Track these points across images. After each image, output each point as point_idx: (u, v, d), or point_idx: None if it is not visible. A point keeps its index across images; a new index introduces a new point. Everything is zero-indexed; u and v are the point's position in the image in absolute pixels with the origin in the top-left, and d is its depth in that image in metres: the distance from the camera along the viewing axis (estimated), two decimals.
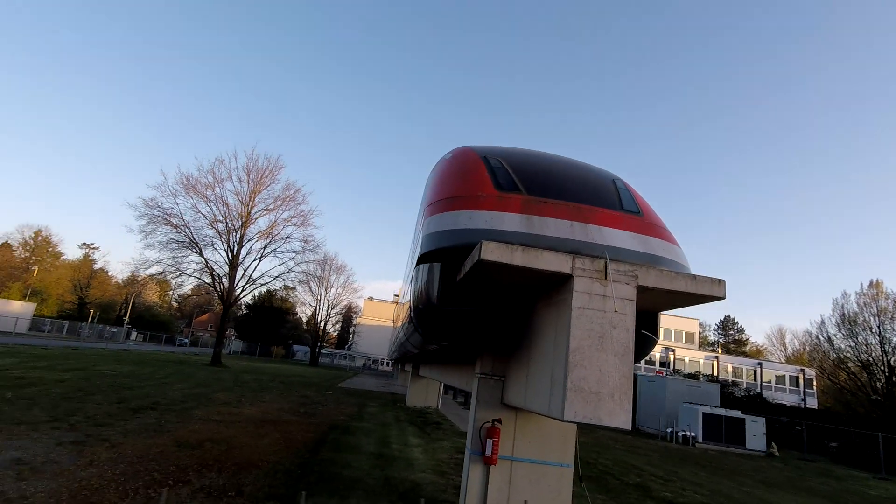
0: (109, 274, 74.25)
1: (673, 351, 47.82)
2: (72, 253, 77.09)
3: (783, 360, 65.09)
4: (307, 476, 7.01)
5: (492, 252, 4.13)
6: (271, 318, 59.96)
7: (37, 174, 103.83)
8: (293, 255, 31.83)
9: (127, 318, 48.68)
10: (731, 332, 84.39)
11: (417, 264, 5.80)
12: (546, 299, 4.83)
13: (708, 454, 17.72)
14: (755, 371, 47.06)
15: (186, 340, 64.84)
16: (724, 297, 4.26)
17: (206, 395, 15.12)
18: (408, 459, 8.98)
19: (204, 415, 11.33)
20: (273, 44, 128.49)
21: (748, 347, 79.60)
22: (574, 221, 4.74)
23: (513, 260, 4.13)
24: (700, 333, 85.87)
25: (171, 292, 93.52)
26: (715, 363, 48.36)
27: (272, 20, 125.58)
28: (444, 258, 5.19)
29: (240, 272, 30.27)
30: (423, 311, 5.55)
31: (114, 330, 53.44)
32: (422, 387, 19.87)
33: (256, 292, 56.04)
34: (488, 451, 5.60)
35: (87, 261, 75.27)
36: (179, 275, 29.50)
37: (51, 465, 6.03)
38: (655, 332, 5.44)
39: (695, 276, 4.27)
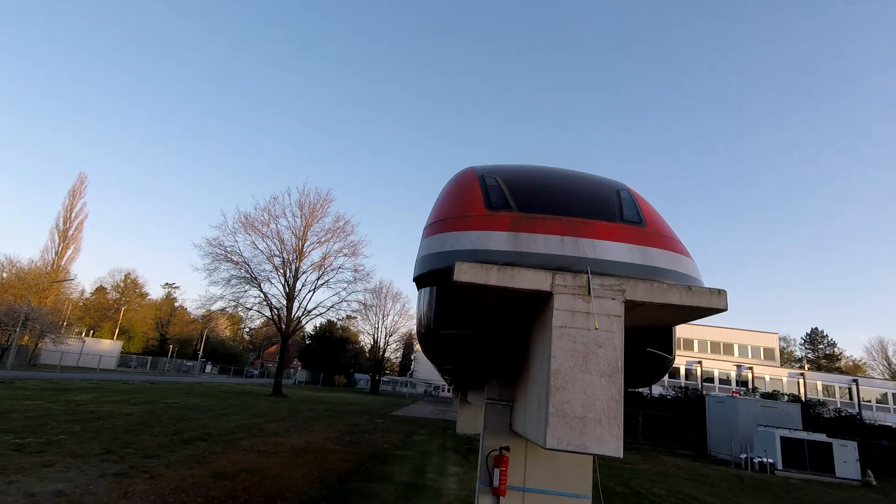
0: (188, 311, 79.79)
1: (751, 369, 44.21)
2: (155, 293, 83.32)
3: (887, 376, 58.54)
4: None
5: (465, 273, 4.01)
6: (332, 347, 61.64)
7: (124, 219, 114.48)
8: (345, 284, 32.81)
9: (201, 352, 51.75)
10: (821, 347, 77.21)
11: (418, 289, 5.76)
12: (536, 320, 4.64)
13: (788, 483, 16.00)
14: (850, 389, 42.46)
15: (255, 371, 67.88)
16: (725, 309, 3.88)
17: (258, 425, 15.62)
18: (438, 489, 8.75)
19: (249, 445, 11.68)
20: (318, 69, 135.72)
21: (843, 363, 72.26)
22: (565, 236, 4.54)
23: (488, 280, 3.99)
24: (784, 349, 79.11)
25: (242, 326, 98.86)
26: (800, 381, 44.20)
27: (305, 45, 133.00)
28: (436, 282, 5.11)
29: (296, 304, 31.48)
30: (424, 336, 5.49)
31: (190, 364, 56.97)
32: (471, 413, 19.47)
33: (317, 323, 58.16)
34: (496, 482, 5.34)
35: (168, 299, 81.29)
36: (241, 308, 31.09)
37: (88, 496, 6.38)
38: (670, 350, 5.02)
39: (690, 288, 3.93)
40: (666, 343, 5.00)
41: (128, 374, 41.88)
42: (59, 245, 59.44)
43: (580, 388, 3.69)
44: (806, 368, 57.03)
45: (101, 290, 78.34)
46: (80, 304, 67.53)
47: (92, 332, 59.95)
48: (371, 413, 25.31)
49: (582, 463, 5.52)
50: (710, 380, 48.26)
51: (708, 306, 3.91)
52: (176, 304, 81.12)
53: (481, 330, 4.95)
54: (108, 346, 46.42)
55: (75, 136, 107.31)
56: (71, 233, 60.28)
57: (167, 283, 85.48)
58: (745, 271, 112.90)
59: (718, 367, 46.87)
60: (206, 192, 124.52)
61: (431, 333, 5.32)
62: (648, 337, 4.98)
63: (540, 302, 4.24)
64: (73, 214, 60.78)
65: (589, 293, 3.93)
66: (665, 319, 4.40)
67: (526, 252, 4.44)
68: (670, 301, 3.93)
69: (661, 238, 4.76)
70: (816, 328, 75.61)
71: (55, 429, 11.15)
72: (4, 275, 58.43)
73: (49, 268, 57.39)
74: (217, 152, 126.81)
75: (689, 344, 51.25)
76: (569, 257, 4.34)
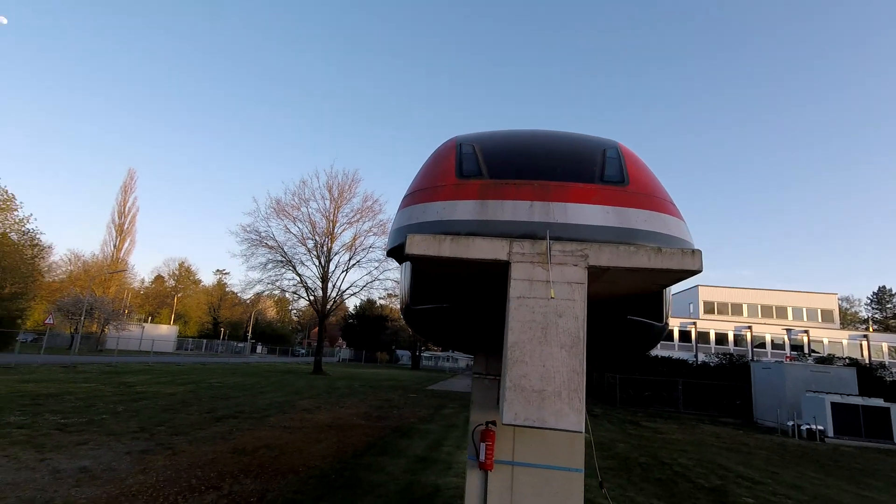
0: (237, 295, 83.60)
1: (806, 332, 41.95)
2: (207, 279, 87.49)
3: None
4: (335, 481, 7.13)
5: (417, 245, 3.84)
6: (373, 325, 63.10)
7: (171, 209, 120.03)
8: (376, 264, 33.23)
9: (250, 334, 54.21)
10: (889, 306, 72.42)
11: (399, 263, 5.65)
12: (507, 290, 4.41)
13: (838, 451, 15.15)
14: None
15: (303, 351, 70.57)
16: (699, 270, 3.54)
17: (291, 402, 16.20)
18: (449, 463, 8.78)
19: (277, 422, 12.11)
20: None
21: None
22: (535, 202, 4.28)
23: (441, 252, 3.81)
24: (847, 310, 74.54)
25: (290, 308, 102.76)
26: (863, 343, 41.59)
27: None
28: (404, 256, 4.95)
29: (330, 285, 32.23)
30: (404, 311, 5.39)
31: (241, 345, 59.86)
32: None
33: (357, 302, 59.48)
34: (482, 456, 5.24)
35: (219, 285, 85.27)
36: (278, 291, 32.14)
37: (109, 472, 6.77)
38: (659, 316, 4.68)
39: (660, 250, 3.60)
40: (654, 309, 4.67)
41: (183, 356, 44.48)
42: (116, 238, 63.09)
43: (539, 361, 3.48)
44: (871, 330, 53.53)
45: (159, 278, 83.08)
46: (141, 292, 71.94)
47: (151, 318, 63.87)
48: (406, 388, 25.80)
49: (573, 436, 5.32)
50: (763, 345, 46.30)
51: (680, 268, 3.58)
52: (227, 290, 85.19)
53: (455, 304, 4.79)
54: (165, 331, 49.41)
55: (122, 133, 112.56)
56: (126, 226, 63.86)
57: (218, 270, 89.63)
58: (804, 230, 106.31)
59: (771, 331, 44.76)
60: (240, 179, 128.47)
61: (408, 309, 5.20)
62: (632, 304, 4.67)
63: (504, 272, 4.02)
64: (127, 209, 64.20)
65: (549, 260, 3.69)
66: (642, 284, 4.09)
67: (491, 220, 4.22)
68: (638, 265, 3.62)
69: (643, 198, 4.39)
70: (884, 286, 70.77)
71: (100, 409, 11.92)
72: (70, 268, 62.75)
73: (109, 260, 61.08)
74: (245, 139, 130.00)
75: (737, 309, 49.15)
76: (536, 223, 4.08)
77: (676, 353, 41.69)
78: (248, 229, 30.72)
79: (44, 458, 7.19)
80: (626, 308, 4.66)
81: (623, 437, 14.02)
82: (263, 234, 30.96)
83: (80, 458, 7.33)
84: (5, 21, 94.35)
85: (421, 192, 4.92)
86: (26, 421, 9.80)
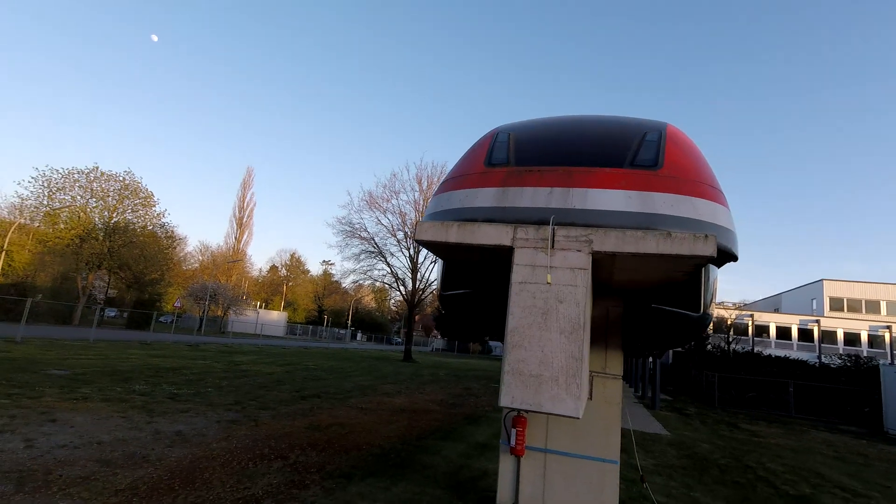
0: (341, 284, 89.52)
1: None
2: (315, 269, 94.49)
3: None
4: (391, 460, 7.52)
5: (426, 232, 4.00)
6: None
7: (281, 202, 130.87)
8: None
9: (349, 322, 57.80)
10: None
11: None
12: None
13: None
14: None
15: (399, 339, 73.69)
16: (712, 256, 3.32)
17: (374, 386, 17.14)
18: None
19: (356, 403, 12.93)
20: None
21: None
22: (555, 188, 4.24)
23: (448, 238, 3.94)
24: None
25: (388, 298, 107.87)
26: None
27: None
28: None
29: (419, 276, 33.32)
30: (439, 298, 5.58)
31: (343, 332, 64.04)
32: None
33: None
34: (512, 441, 5.26)
35: (326, 275, 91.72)
36: (372, 281, 33.90)
37: (199, 437, 7.75)
38: (696, 306, 4.39)
39: (669, 234, 3.42)
40: (689, 298, 4.38)
41: (290, 340, 48.67)
42: (236, 231, 70.35)
43: (538, 346, 3.50)
44: None
45: (273, 268, 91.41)
46: (260, 280, 79.74)
47: (266, 304, 70.55)
48: (491, 378, 26.01)
49: (608, 426, 5.18)
50: None
51: (691, 253, 3.37)
52: (332, 280, 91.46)
53: (477, 290, 4.85)
54: (276, 317, 54.46)
55: (243, 129, 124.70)
56: (245, 220, 70.93)
57: (324, 261, 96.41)
58: None
59: None
60: (347, 172, 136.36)
61: (441, 295, 5.39)
62: (664, 293, 4.42)
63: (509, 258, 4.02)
64: (245, 203, 71.24)
65: (551, 246, 3.64)
66: (663, 271, 3.86)
67: (508, 207, 4.25)
68: (645, 250, 3.47)
69: (675, 181, 4.14)
70: None
71: (208, 383, 13.56)
72: (201, 258, 71.06)
73: (231, 251, 68.30)
74: (356, 134, 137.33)
75: (873, 306, 42.79)
76: (553, 209, 4.05)
77: (794, 353, 37.41)
78: (342, 221, 32.84)
79: (151, 421, 8.41)
80: (654, 297, 4.43)
81: (710, 438, 13.02)
82: (356, 226, 32.89)
83: (179, 424, 8.46)
84: (156, 39, 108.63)
85: (451, 180, 5.05)
86: (147, 389, 11.46)
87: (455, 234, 3.89)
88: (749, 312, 43.13)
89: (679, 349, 39.55)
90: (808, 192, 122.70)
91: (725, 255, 4.34)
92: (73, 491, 5.12)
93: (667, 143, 4.62)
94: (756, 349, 35.86)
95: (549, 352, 3.46)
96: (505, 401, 3.49)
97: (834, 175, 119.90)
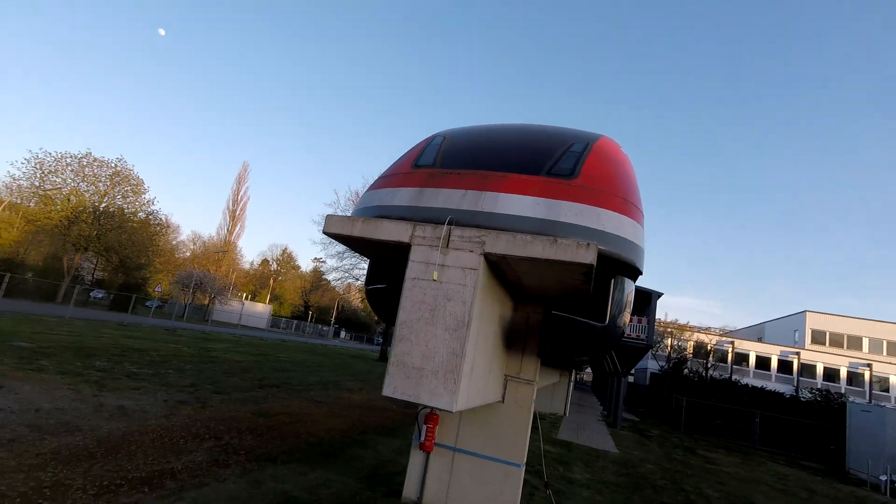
0: (330, 282, 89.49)
1: None
2: (306, 265, 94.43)
3: None
4: (324, 450, 7.68)
5: (333, 225, 4.22)
6: None
7: (280, 198, 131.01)
8: None
9: (333, 320, 57.81)
10: None
11: None
12: None
13: None
14: None
15: (382, 340, 73.78)
16: (591, 264, 3.52)
17: (339, 382, 17.25)
18: None
19: (313, 396, 13.06)
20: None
21: None
22: (469, 190, 4.46)
23: (352, 232, 4.15)
24: None
25: None
26: None
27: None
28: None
29: None
30: (366, 292, 5.79)
31: (326, 329, 64.00)
32: (547, 390, 19.03)
33: None
34: (422, 437, 5.44)
35: (316, 272, 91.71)
36: (353, 279, 34.02)
37: (140, 413, 7.90)
38: (601, 316, 4.59)
39: (555, 240, 3.62)
40: (596, 308, 4.59)
41: (273, 332, 48.68)
42: (229, 223, 70.41)
43: (423, 341, 3.70)
44: None
45: (265, 262, 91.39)
46: (250, 272, 79.71)
47: (253, 296, 70.49)
48: None
49: (517, 430, 5.37)
50: (888, 389, 40.18)
51: (573, 260, 3.60)
52: (322, 278, 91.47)
53: (390, 285, 5.05)
54: (260, 309, 54.42)
55: (237, 127, 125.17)
56: (238, 213, 71.03)
57: (315, 259, 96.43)
58: None
59: None
60: (331, 171, 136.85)
61: (366, 290, 5.59)
62: (574, 301, 4.63)
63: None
64: (239, 197, 71.38)
65: (447, 245, 3.85)
66: (564, 279, 4.06)
67: (422, 206, 4.47)
68: (532, 254, 3.69)
69: (584, 192, 4.38)
70: None
71: (171, 366, 13.66)
72: (192, 247, 71.08)
73: (222, 242, 68.31)
74: (336, 132, 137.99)
75: (855, 342, 43.09)
76: (461, 211, 4.27)
77: (772, 384, 37.63)
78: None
79: (98, 395, 8.55)
80: (566, 305, 4.63)
81: (659, 460, 13.19)
82: None
83: (125, 399, 8.61)
84: (163, 33, 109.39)
85: (380, 179, 5.29)
86: (107, 366, 11.58)
87: (359, 228, 4.11)
88: (730, 339, 43.33)
89: (656, 371, 39.77)
90: (803, 220, 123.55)
91: (632, 269, 4.56)
92: None
93: (589, 155, 4.86)
94: (734, 377, 36.03)
95: (433, 347, 3.67)
96: (387, 391, 3.69)
97: (839, 205, 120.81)
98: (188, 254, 67.81)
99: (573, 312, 4.70)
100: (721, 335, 43.48)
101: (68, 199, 34.68)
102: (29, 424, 6.32)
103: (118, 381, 10.06)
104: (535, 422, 5.89)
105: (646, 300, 17.88)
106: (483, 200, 4.32)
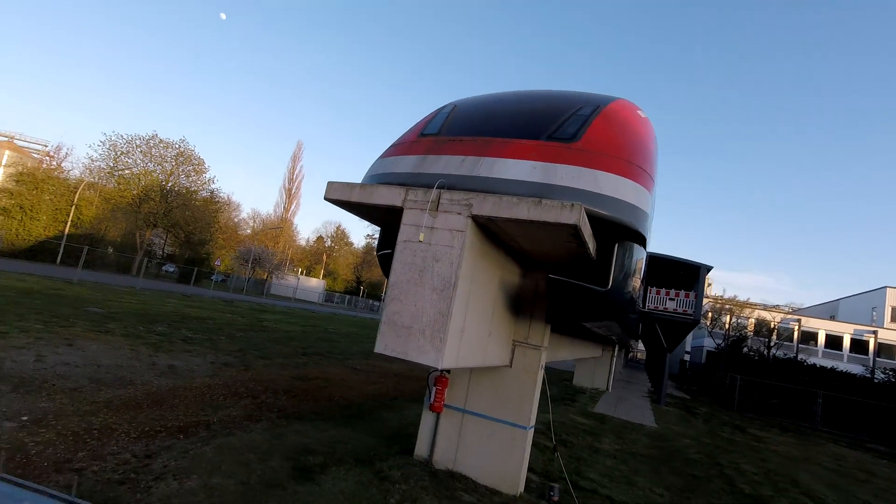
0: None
1: None
2: (359, 242, 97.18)
3: None
4: (352, 412, 8.08)
5: (334, 191, 4.38)
6: None
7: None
8: None
9: (384, 295, 59.42)
10: None
11: None
12: None
13: None
14: None
15: None
16: (575, 224, 3.48)
17: None
18: None
19: (352, 364, 13.65)
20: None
21: None
22: (467, 156, 4.51)
23: (350, 197, 4.30)
24: None
25: None
26: None
27: None
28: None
29: None
30: (377, 257, 5.98)
31: (377, 304, 65.92)
32: (588, 364, 18.86)
33: None
34: (432, 399, 5.62)
35: (368, 248, 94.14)
36: None
37: (187, 372, 8.60)
38: (603, 281, 4.54)
39: (540, 201, 3.61)
40: (599, 273, 4.53)
41: (325, 307, 50.72)
42: (285, 201, 73.33)
43: (412, 301, 3.84)
44: None
45: (320, 239, 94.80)
46: (306, 248, 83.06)
47: (308, 272, 73.50)
48: None
49: (523, 393, 5.42)
50: None
51: (556, 221, 3.59)
52: (374, 253, 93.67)
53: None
54: (314, 284, 56.76)
55: (292, 106, 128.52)
56: (293, 191, 73.73)
57: (368, 235, 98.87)
58: None
59: None
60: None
61: (377, 255, 5.78)
62: (577, 266, 4.59)
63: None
64: (294, 175, 74.01)
65: (437, 208, 3.92)
66: (551, 240, 4.04)
67: (423, 173, 4.56)
68: (517, 216, 3.70)
69: (582, 155, 4.32)
70: None
71: (223, 333, 14.67)
72: (252, 224, 74.68)
73: (279, 220, 71.34)
74: (390, 107, 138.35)
75: None
76: (458, 176, 4.33)
77: (844, 365, 35.19)
78: None
79: (154, 355, 9.36)
80: (569, 271, 4.61)
81: (700, 435, 12.83)
82: None
83: (177, 360, 9.38)
84: (224, 17, 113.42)
85: (390, 148, 5.40)
86: (166, 331, 12.60)
87: (357, 194, 4.24)
88: (796, 317, 40.79)
89: (712, 349, 38.19)
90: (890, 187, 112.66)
91: (633, 233, 4.46)
92: (57, 398, 5.97)
93: (596, 119, 4.74)
94: (801, 357, 34.06)
95: (421, 306, 3.78)
96: (379, 348, 3.86)
97: None
98: (248, 231, 71.42)
99: (576, 277, 4.66)
100: (787, 313, 40.98)
101: (139, 179, 37.32)
102: (90, 377, 7.06)
103: (173, 344, 10.93)
104: (545, 387, 5.91)
105: (693, 274, 17.14)
106: (480, 166, 4.34)
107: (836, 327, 40.71)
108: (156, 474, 4.25)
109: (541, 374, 5.56)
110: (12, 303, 12.19)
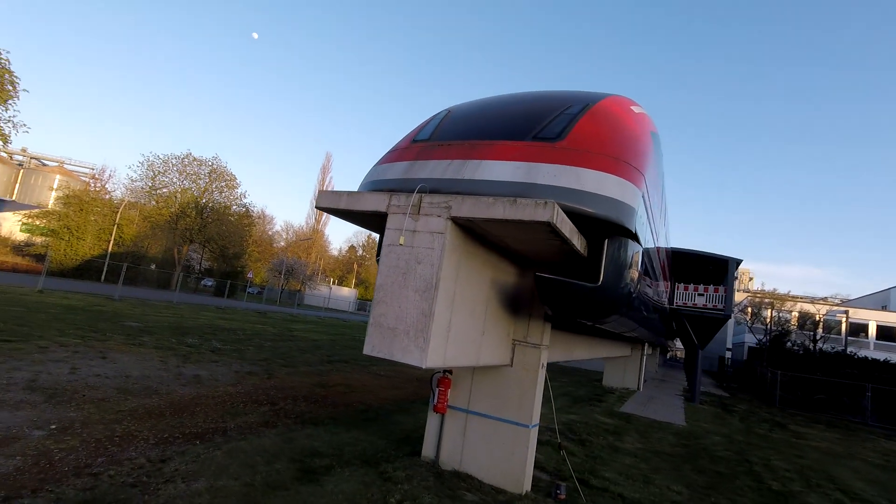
0: None
1: None
2: None
3: None
4: (369, 416, 8.21)
5: (323, 200, 4.53)
6: None
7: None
8: None
9: None
10: None
11: None
12: None
13: None
14: None
15: None
16: (549, 222, 3.49)
17: None
18: None
19: (376, 370, 13.84)
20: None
21: None
22: (454, 160, 4.59)
23: (339, 205, 4.43)
24: None
25: None
26: None
27: None
28: None
29: None
30: (377, 261, 6.11)
31: None
32: (619, 365, 18.50)
33: None
34: (435, 400, 5.68)
35: None
36: None
37: (211, 381, 8.93)
38: (594, 277, 4.51)
39: (515, 201, 3.65)
40: (589, 269, 4.51)
41: (357, 315, 51.46)
42: (315, 212, 74.90)
43: (397, 303, 3.93)
44: None
45: (352, 248, 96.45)
46: (339, 258, 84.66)
47: (340, 281, 74.82)
48: None
49: (524, 392, 5.41)
50: None
51: (531, 219, 3.63)
52: None
53: None
54: (346, 293, 57.79)
55: (321, 117, 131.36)
56: None
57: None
58: None
59: None
60: None
61: (376, 259, 5.90)
62: (566, 265, 4.59)
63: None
64: (324, 187, 75.60)
65: (419, 212, 4.00)
66: (535, 240, 4.05)
67: (408, 179, 4.67)
68: (493, 216, 3.76)
69: (566, 153, 4.34)
70: None
71: (252, 343, 15.13)
72: (285, 236, 76.55)
73: (311, 231, 72.95)
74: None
75: None
76: (443, 180, 4.41)
77: (872, 353, 33.22)
78: None
79: (181, 366, 9.76)
80: (555, 269, 4.62)
81: (733, 433, 12.40)
82: None
83: (203, 370, 9.75)
84: (256, 36, 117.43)
85: (384, 155, 5.52)
86: (196, 342, 13.10)
87: (344, 201, 4.37)
88: (843, 308, 38.86)
89: (754, 345, 36.78)
90: None
91: (622, 228, 4.42)
92: (85, 407, 6.32)
93: (583, 117, 4.74)
94: (850, 350, 32.45)
95: (405, 308, 3.86)
96: (367, 349, 3.96)
97: None
98: (282, 243, 73.31)
99: (567, 275, 4.64)
100: (833, 305, 39.10)
101: (175, 197, 38.95)
102: (117, 387, 7.44)
103: (202, 355, 11.36)
104: (547, 385, 5.89)
105: (722, 268, 16.62)
106: (465, 169, 4.41)
107: (887, 318, 38.61)
108: (166, 477, 4.46)
109: (542, 372, 5.55)
110: (56, 319, 12.92)
